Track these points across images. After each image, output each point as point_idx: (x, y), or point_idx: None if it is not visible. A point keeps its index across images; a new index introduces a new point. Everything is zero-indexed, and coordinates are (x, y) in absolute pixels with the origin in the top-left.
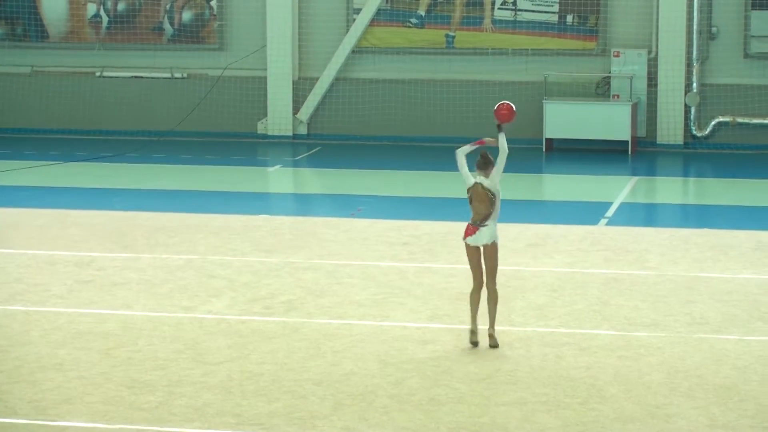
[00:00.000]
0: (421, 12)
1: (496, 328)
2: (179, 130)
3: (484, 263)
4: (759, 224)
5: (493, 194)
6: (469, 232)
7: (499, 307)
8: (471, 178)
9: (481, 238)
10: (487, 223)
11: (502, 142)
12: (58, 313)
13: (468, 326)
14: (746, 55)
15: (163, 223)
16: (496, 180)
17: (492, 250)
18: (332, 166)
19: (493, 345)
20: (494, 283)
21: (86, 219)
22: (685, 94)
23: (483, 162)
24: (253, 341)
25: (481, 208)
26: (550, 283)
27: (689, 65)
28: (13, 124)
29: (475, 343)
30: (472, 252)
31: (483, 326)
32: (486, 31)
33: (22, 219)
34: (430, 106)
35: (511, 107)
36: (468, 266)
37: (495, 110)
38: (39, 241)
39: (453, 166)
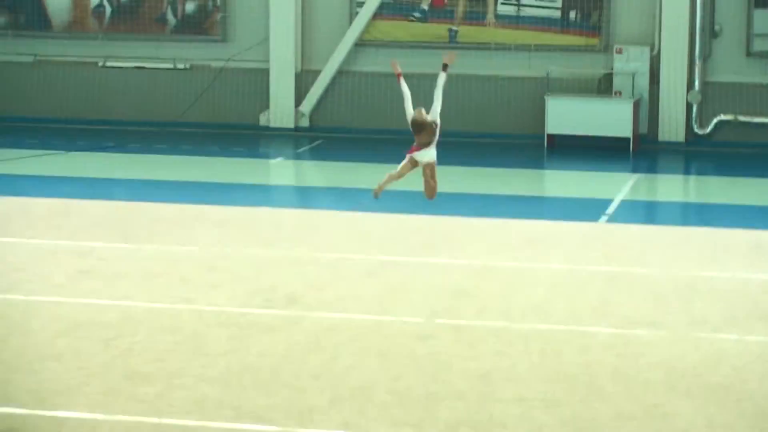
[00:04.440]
0: (425, 6)
1: None
2: (181, 120)
3: (425, 177)
4: (760, 223)
5: (436, 123)
6: (414, 149)
7: (497, 303)
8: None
9: (426, 155)
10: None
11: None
12: (59, 302)
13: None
14: (749, 54)
15: (164, 214)
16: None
17: (433, 167)
18: (334, 159)
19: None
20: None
21: (88, 209)
22: (688, 91)
23: (418, 126)
24: (252, 334)
25: (423, 137)
26: (549, 280)
27: (692, 63)
28: (16, 112)
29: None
30: (413, 163)
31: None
32: (489, 26)
33: (24, 208)
34: (432, 101)
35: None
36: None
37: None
38: (40, 231)
39: (455, 160)
